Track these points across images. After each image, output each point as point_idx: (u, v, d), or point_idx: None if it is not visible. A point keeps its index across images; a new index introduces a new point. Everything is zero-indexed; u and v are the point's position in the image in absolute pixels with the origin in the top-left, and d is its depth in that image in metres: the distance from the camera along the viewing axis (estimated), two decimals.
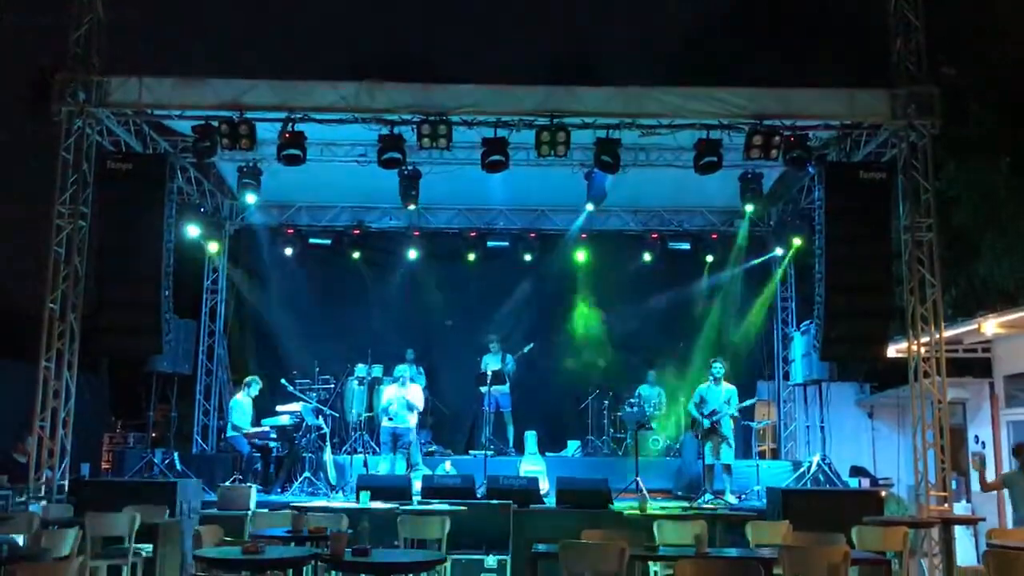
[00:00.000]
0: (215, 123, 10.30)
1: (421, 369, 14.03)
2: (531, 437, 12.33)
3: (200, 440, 14.07)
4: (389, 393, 12.20)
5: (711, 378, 11.72)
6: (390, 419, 11.99)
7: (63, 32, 10.28)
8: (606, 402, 13.90)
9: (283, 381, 12.61)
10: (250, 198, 12.19)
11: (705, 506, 10.64)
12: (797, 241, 13.24)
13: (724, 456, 11.45)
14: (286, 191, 13.53)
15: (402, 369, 12.40)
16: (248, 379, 12.34)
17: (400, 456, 11.89)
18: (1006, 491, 9.62)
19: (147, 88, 10.31)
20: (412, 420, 12.05)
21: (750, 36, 21.17)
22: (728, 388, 11.65)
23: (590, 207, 12.80)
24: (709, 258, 14.36)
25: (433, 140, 10.25)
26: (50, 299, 9.98)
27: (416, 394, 12.14)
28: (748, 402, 11.93)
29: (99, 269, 10.37)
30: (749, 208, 12.50)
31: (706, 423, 11.50)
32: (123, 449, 14.57)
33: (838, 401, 13.72)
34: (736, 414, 11.66)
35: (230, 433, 11.95)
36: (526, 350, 13.46)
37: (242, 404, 11.96)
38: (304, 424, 11.94)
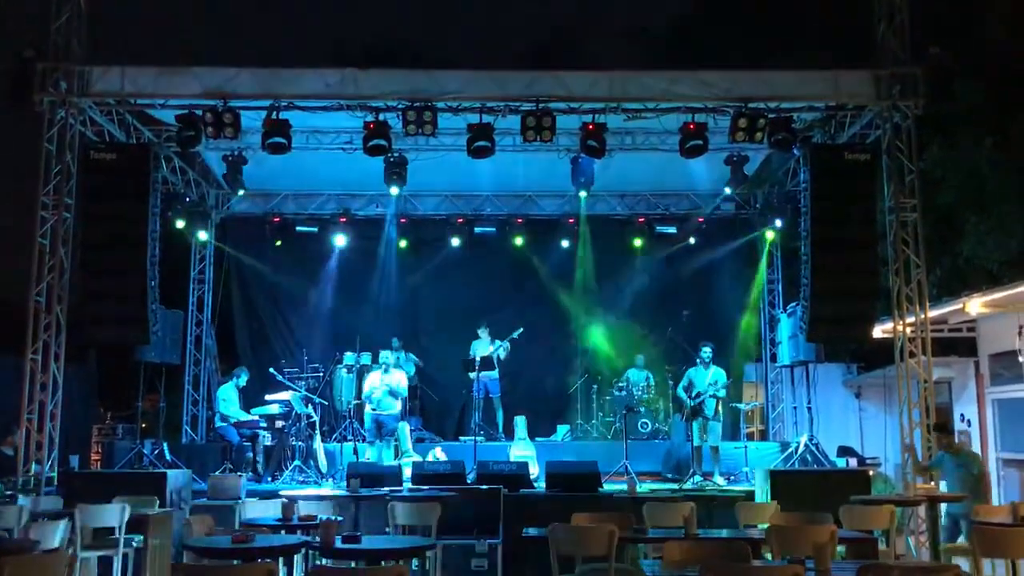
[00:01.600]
0: (199, 112, 10.25)
1: (411, 355, 14.03)
2: (520, 422, 12.35)
3: (189, 430, 14.06)
4: (372, 380, 12.17)
5: (699, 361, 11.79)
6: (373, 408, 11.98)
7: (44, 21, 10.19)
8: (595, 386, 13.95)
9: (272, 370, 12.60)
10: (235, 188, 12.20)
11: (694, 488, 10.70)
12: (783, 223, 13.28)
13: (711, 438, 11.53)
14: (272, 179, 13.49)
15: (385, 356, 12.35)
16: (236, 369, 12.32)
17: (386, 443, 11.88)
18: None
19: (130, 77, 10.26)
20: (396, 406, 12.04)
21: (735, 19, 21.16)
22: (715, 371, 11.73)
23: (583, 194, 12.81)
24: (695, 241, 14.41)
25: (418, 126, 10.23)
26: (35, 291, 9.94)
27: (399, 380, 12.11)
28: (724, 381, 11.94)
29: (84, 260, 10.31)
30: (727, 190, 12.52)
31: (690, 403, 11.59)
32: (112, 440, 14.53)
33: (825, 382, 13.80)
34: (722, 395, 11.71)
35: (219, 423, 11.95)
36: (515, 335, 13.47)
37: (228, 393, 11.95)
38: (293, 413, 11.93)
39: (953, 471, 8.76)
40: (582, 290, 14.65)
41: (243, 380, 12.12)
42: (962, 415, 12.65)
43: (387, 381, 11.96)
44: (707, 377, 11.64)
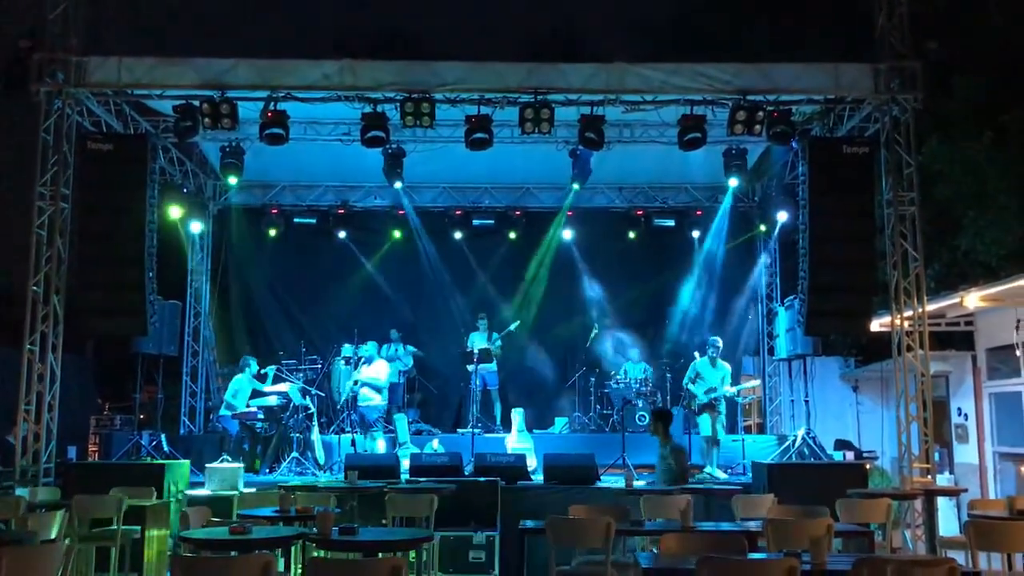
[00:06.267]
0: (196, 103, 10.22)
1: (409, 347, 14.02)
2: (518, 414, 12.37)
3: (187, 421, 14.05)
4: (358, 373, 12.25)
5: (708, 355, 11.76)
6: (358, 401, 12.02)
7: (40, 11, 10.15)
8: (592, 379, 13.94)
9: (270, 365, 12.61)
10: (232, 179, 12.17)
11: (691, 481, 10.70)
12: (781, 216, 13.26)
13: (705, 430, 11.54)
14: (269, 170, 13.46)
15: (364, 349, 12.39)
16: (244, 360, 12.39)
17: (370, 436, 11.87)
18: None
19: (127, 68, 10.20)
20: (375, 399, 12.04)
21: (735, 11, 21.12)
22: (723, 367, 11.71)
23: (576, 186, 12.83)
24: (694, 234, 14.40)
25: (416, 118, 10.20)
26: (33, 282, 9.91)
27: (377, 372, 12.12)
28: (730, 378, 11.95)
29: (82, 251, 10.27)
30: (733, 183, 12.54)
31: (705, 399, 11.57)
32: (110, 431, 14.50)
33: (823, 375, 13.82)
34: (734, 395, 11.71)
35: (223, 412, 11.99)
36: (512, 328, 13.47)
37: (241, 385, 12.03)
38: (291, 404, 11.95)
39: (659, 461, 8.97)
40: (580, 283, 14.65)
41: (254, 368, 12.17)
42: (959, 409, 12.66)
43: (365, 374, 11.98)
44: (717, 373, 11.61)
